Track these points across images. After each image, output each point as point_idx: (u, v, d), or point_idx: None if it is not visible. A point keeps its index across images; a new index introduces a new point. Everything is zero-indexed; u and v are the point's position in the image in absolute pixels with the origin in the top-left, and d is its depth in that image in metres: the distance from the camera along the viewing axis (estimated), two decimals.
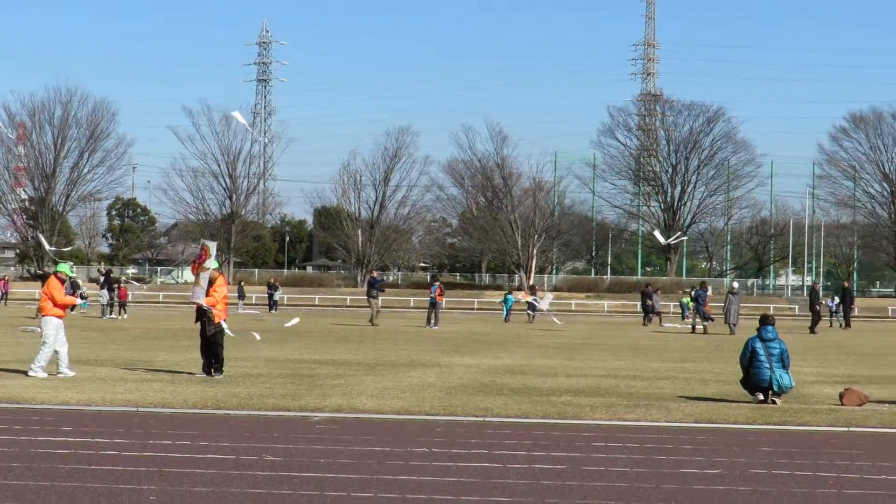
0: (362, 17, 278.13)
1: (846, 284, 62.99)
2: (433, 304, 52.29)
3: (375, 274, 59.31)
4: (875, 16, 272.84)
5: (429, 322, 51.82)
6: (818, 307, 54.33)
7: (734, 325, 48.92)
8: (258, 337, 29.67)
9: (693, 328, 52.51)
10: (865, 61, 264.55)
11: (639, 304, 69.80)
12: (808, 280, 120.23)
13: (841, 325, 61.84)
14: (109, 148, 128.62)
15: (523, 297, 66.13)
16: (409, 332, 46.08)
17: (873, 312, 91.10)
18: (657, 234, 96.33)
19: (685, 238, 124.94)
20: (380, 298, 55.24)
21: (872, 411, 18.64)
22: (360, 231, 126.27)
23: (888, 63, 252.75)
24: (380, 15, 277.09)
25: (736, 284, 55.52)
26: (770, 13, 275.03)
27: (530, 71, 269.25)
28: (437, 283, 54.42)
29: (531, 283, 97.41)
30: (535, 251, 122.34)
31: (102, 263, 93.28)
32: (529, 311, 62.42)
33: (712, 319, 52.65)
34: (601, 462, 13.00)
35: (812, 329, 52.60)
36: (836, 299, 66.19)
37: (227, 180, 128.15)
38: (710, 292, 57.29)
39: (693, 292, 55.26)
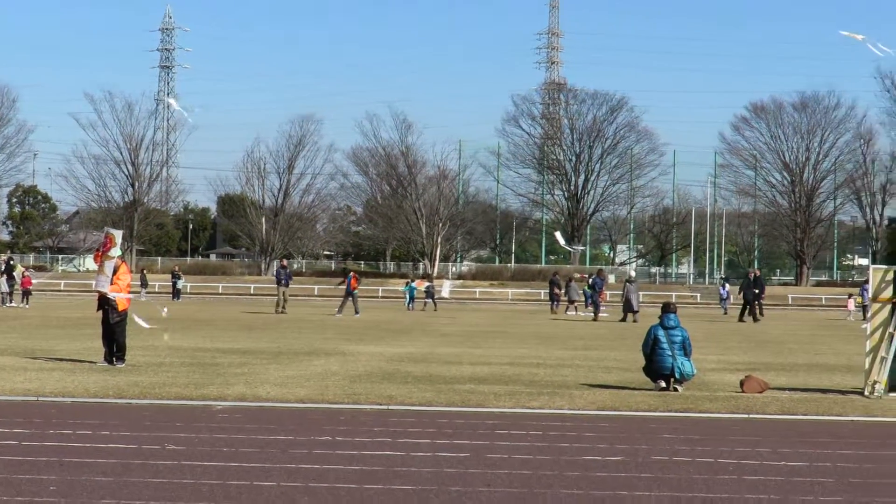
0: (266, 3, 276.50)
1: (757, 273, 63.54)
2: (350, 294, 52.11)
3: (285, 263, 59.17)
4: (775, 7, 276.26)
5: (340, 310, 51.61)
6: (750, 295, 54.80)
7: (636, 311, 49.56)
8: (167, 338, 29.18)
9: (595, 315, 53.01)
10: (766, 52, 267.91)
11: (544, 291, 70.11)
12: (719, 272, 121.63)
13: (725, 312, 63.14)
14: (9, 135, 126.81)
15: (418, 284, 66.56)
16: (314, 321, 45.92)
17: (774, 300, 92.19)
18: (558, 235, 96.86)
19: (583, 249, 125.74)
20: (289, 286, 55.20)
21: (772, 398, 18.87)
22: (263, 219, 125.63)
23: (788, 53, 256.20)
24: (284, 1, 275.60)
25: (633, 273, 55.98)
26: (673, 3, 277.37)
27: (435, 59, 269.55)
28: (352, 274, 54.68)
29: (430, 271, 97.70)
30: (439, 239, 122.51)
31: (9, 252, 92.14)
32: (427, 300, 62.48)
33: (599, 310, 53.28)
34: (504, 450, 13.03)
35: (741, 318, 52.90)
36: (727, 287, 67.54)
37: (130, 167, 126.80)
38: (613, 280, 57.75)
39: (590, 280, 55.66)
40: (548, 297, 65.88)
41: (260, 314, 51.76)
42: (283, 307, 52.55)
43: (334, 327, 40.87)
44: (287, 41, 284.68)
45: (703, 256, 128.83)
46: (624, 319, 49.61)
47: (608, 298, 62.98)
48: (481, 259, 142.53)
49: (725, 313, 63.98)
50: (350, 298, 52.00)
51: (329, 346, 30.01)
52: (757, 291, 54.43)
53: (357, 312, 50.78)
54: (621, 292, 53.36)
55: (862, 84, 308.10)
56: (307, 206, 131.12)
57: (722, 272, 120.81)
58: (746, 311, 53.24)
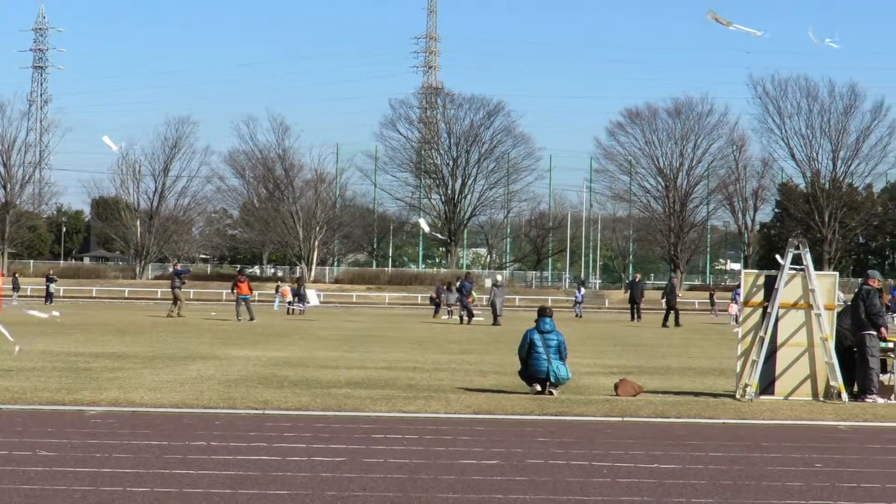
0: (142, 4, 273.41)
1: (637, 278, 64.74)
2: (239, 298, 51.43)
3: (179, 266, 58.72)
4: (650, 12, 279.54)
5: (240, 316, 50.85)
6: (673, 301, 55.77)
7: (499, 315, 50.37)
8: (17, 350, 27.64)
9: (461, 319, 53.35)
10: (641, 57, 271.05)
11: (421, 295, 70.30)
12: (572, 275, 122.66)
13: (579, 316, 64.59)
14: None
15: (284, 293, 66.66)
16: (190, 325, 45.52)
17: (648, 304, 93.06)
18: (423, 223, 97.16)
19: (446, 239, 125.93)
20: (182, 289, 54.81)
21: (646, 401, 19.08)
22: (138, 222, 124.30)
23: (663, 60, 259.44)
24: (161, 2, 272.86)
25: (500, 277, 56.43)
26: (550, 9, 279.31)
27: (313, 62, 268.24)
28: (239, 277, 54.32)
29: (304, 275, 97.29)
30: (316, 243, 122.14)
31: None
32: (296, 305, 62.19)
33: (472, 314, 53.56)
34: (380, 454, 13.03)
35: (664, 323, 53.77)
36: (583, 290, 69.19)
37: (2, 169, 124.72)
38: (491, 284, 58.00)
39: (458, 283, 55.99)
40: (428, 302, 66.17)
41: (146, 318, 51.17)
42: (179, 311, 52.21)
43: (210, 331, 40.54)
44: (163, 42, 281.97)
45: (578, 261, 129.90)
46: (495, 323, 50.30)
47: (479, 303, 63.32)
48: (358, 263, 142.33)
49: (579, 316, 65.24)
50: (241, 302, 51.22)
51: (204, 351, 29.77)
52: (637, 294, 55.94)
53: (239, 318, 50.06)
54: (488, 296, 53.89)
55: (734, 91, 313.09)
56: (183, 208, 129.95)
57: (581, 276, 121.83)
58: (668, 317, 54.47)
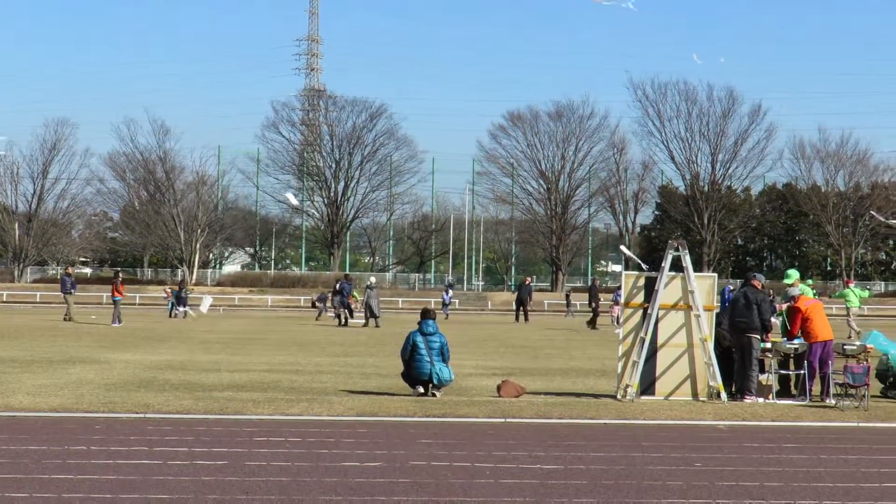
0: (19, 3, 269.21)
1: (527, 281, 65.49)
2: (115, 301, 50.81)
3: (70, 270, 57.86)
4: (532, 16, 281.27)
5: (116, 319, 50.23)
6: (595, 304, 56.33)
7: (377, 317, 50.70)
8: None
9: (339, 320, 53.68)
10: (523, 61, 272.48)
11: (304, 298, 70.16)
12: (448, 277, 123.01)
13: (446, 317, 65.26)
14: None
15: (167, 294, 66.26)
16: (69, 328, 44.90)
17: (530, 306, 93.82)
18: (290, 196, 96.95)
19: (303, 206, 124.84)
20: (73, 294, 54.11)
21: (528, 402, 19.20)
22: (16, 225, 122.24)
23: (545, 63, 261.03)
24: (38, 1, 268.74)
25: (373, 279, 56.52)
26: (433, 12, 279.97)
27: (194, 64, 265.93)
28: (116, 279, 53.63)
29: (187, 278, 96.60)
30: (198, 246, 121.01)
31: None
32: (178, 310, 61.66)
33: (353, 314, 53.78)
34: (263, 457, 12.97)
35: (591, 325, 54.13)
36: (451, 292, 70.00)
37: None
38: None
39: (337, 285, 56.06)
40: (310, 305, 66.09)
41: (29, 321, 50.36)
42: (69, 315, 51.62)
43: (89, 335, 40.01)
44: (41, 42, 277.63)
45: (461, 263, 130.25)
46: (366, 324, 50.97)
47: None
48: (241, 265, 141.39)
49: (446, 317, 65.77)
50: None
51: (84, 354, 29.40)
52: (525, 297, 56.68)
53: (114, 321, 49.42)
54: (363, 298, 54.10)
55: (615, 94, 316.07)
56: (62, 211, 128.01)
57: (449, 278, 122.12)
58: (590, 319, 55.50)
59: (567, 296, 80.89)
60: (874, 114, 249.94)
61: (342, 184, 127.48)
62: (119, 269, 57.78)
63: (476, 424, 16.47)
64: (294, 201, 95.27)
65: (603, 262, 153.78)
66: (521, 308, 61.49)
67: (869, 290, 78.06)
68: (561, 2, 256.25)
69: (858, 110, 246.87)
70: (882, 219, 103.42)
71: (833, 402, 19.92)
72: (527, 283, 64.92)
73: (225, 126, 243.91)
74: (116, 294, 50.58)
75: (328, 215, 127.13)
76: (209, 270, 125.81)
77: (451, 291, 72.98)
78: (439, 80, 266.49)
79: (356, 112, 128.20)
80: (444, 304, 71.69)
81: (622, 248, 64.26)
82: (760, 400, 20.10)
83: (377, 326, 49.90)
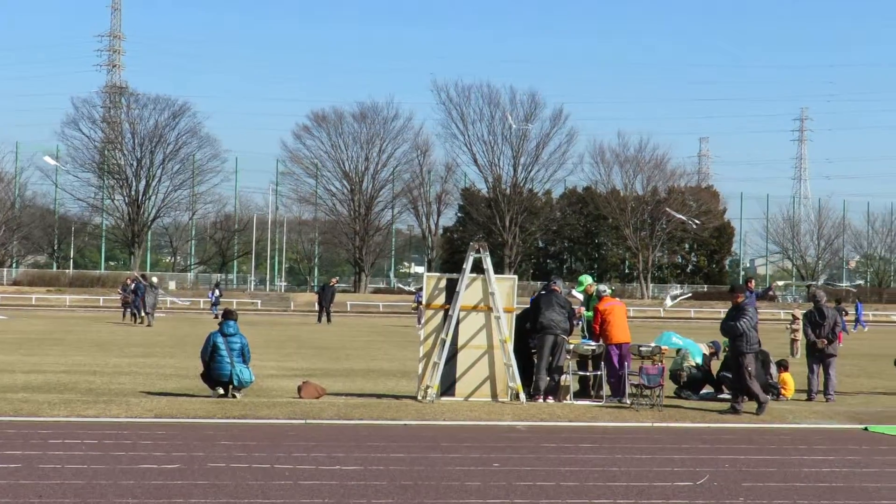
0: None
1: (333, 282, 65.85)
2: None
3: None
4: (338, 16, 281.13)
5: None
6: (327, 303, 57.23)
7: (149, 314, 50.96)
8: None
9: (134, 318, 53.89)
10: (328, 61, 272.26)
11: (104, 297, 69.09)
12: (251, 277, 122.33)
13: (216, 317, 65.35)
14: None
15: None
16: None
17: (334, 307, 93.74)
18: (48, 159, 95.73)
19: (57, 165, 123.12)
20: None
21: (329, 404, 19.19)
22: None
23: (349, 64, 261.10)
24: None
25: (155, 279, 56.22)
26: (238, 13, 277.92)
27: None
28: None
29: None
30: None
31: None
32: None
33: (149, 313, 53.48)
34: (58, 460, 12.72)
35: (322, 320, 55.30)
36: (217, 291, 70.37)
37: None
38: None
39: (132, 284, 55.76)
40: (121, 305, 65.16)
41: None
42: None
43: None
44: None
45: (264, 263, 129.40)
46: (145, 322, 51.76)
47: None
48: (38, 265, 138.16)
49: (216, 317, 65.83)
50: None
51: None
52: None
53: None
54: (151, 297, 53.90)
55: (419, 96, 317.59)
56: None
57: (217, 277, 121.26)
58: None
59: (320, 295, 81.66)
60: (671, 119, 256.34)
61: (143, 182, 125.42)
62: None
63: (276, 426, 16.40)
64: (53, 162, 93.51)
65: (406, 263, 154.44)
66: (324, 309, 61.63)
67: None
68: (368, 3, 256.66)
69: (656, 116, 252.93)
70: (676, 214, 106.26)
71: (628, 402, 20.33)
72: (332, 283, 65.12)
73: (24, 122, 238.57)
74: None
75: (129, 214, 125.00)
76: (5, 269, 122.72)
77: (218, 291, 72.65)
78: (244, 79, 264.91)
79: (158, 110, 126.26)
80: (213, 304, 71.06)
81: None
82: (551, 400, 20.41)
83: (149, 325, 50.83)
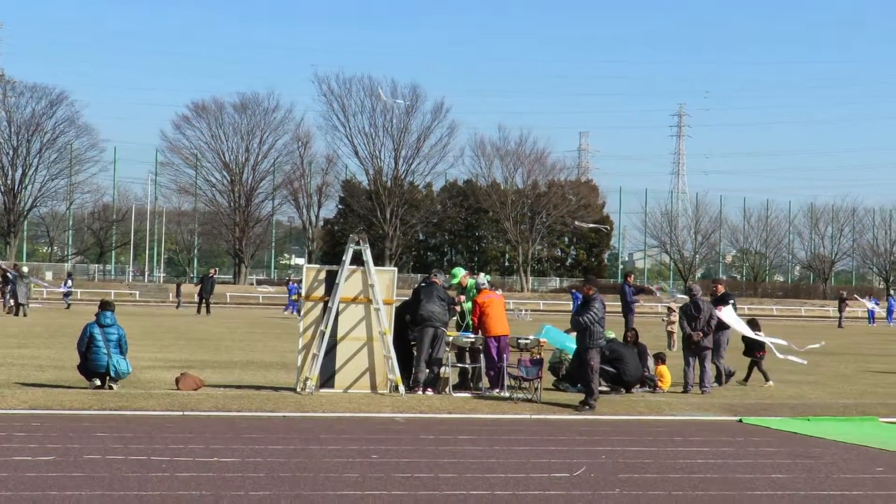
0: None
1: (212, 273, 65.97)
2: None
3: None
4: (222, 5, 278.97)
5: None
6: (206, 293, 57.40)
7: (24, 305, 51.44)
8: None
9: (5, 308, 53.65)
10: (207, 52, 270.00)
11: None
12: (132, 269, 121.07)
13: (68, 307, 65.10)
14: None
15: None
16: None
17: (213, 298, 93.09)
18: None
19: None
20: None
21: (207, 395, 19.09)
22: None
23: (230, 54, 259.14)
24: None
25: (25, 269, 55.72)
26: (118, 1, 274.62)
27: None
28: None
29: None
30: None
31: None
32: None
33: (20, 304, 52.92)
34: None
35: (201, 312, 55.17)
36: (70, 282, 70.62)
37: None
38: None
39: (9, 274, 55.19)
40: None
41: None
42: None
43: None
44: None
45: (143, 254, 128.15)
46: (16, 313, 51.27)
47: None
48: None
49: (68, 307, 65.61)
50: None
51: None
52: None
53: None
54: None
55: (300, 87, 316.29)
56: None
57: (68, 266, 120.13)
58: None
59: (178, 286, 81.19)
60: (551, 114, 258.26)
61: (20, 171, 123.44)
62: None
63: (153, 417, 16.29)
64: None
65: (286, 254, 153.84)
66: (203, 300, 61.41)
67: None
68: None
69: (537, 110, 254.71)
70: (584, 224, 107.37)
71: (507, 394, 20.47)
72: (211, 274, 64.92)
73: None
74: None
75: (5, 203, 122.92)
76: None
77: (70, 281, 72.07)
78: (123, 68, 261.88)
79: (35, 98, 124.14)
80: (65, 295, 70.21)
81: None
82: (430, 392, 20.50)
83: (24, 315, 50.54)
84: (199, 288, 64.71)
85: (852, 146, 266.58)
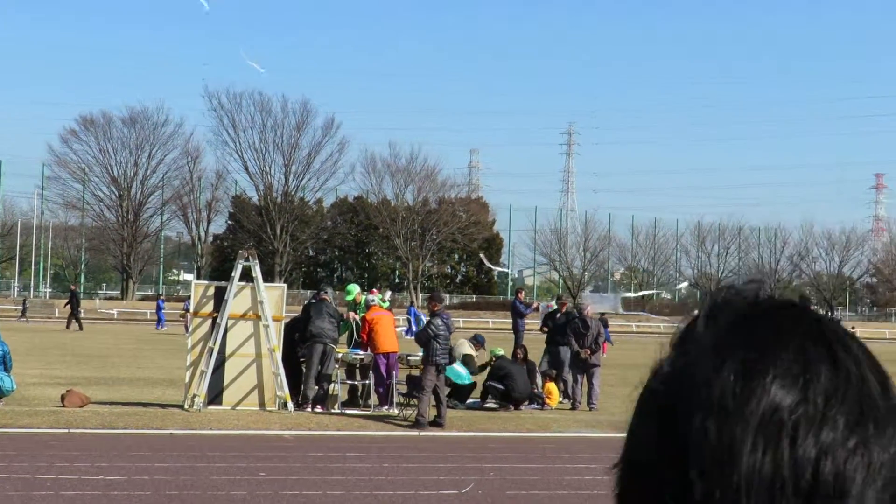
0: None
1: (74, 288, 65.00)
2: None
3: None
4: (109, 16, 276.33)
5: None
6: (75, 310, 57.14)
7: None
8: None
9: None
10: (99, 64, 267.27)
11: None
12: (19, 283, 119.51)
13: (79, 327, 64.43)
14: None
15: None
16: None
17: (96, 315, 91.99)
18: None
19: None
20: None
21: (93, 413, 18.89)
22: None
23: (120, 67, 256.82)
24: None
25: None
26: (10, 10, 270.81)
27: None
28: None
29: None
30: None
31: None
32: None
33: None
34: None
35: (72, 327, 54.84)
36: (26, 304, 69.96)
37: None
38: None
39: None
40: None
41: None
42: None
43: None
44: None
45: (28, 269, 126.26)
46: None
47: None
48: None
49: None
50: None
51: None
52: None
53: None
54: None
55: (190, 102, 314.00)
56: None
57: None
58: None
59: (24, 300, 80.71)
60: (442, 131, 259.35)
61: None
62: None
63: (38, 435, 16.09)
64: None
65: (175, 270, 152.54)
66: (73, 315, 61.31)
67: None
68: (140, 4, 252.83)
69: (427, 126, 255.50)
70: (489, 264, 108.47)
71: (396, 411, 20.49)
72: (73, 289, 65.26)
73: None
74: None
75: None
76: None
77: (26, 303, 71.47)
78: (8, 81, 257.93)
79: None
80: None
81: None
82: (319, 409, 20.47)
83: None
84: (68, 304, 64.35)
85: (738, 165, 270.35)
